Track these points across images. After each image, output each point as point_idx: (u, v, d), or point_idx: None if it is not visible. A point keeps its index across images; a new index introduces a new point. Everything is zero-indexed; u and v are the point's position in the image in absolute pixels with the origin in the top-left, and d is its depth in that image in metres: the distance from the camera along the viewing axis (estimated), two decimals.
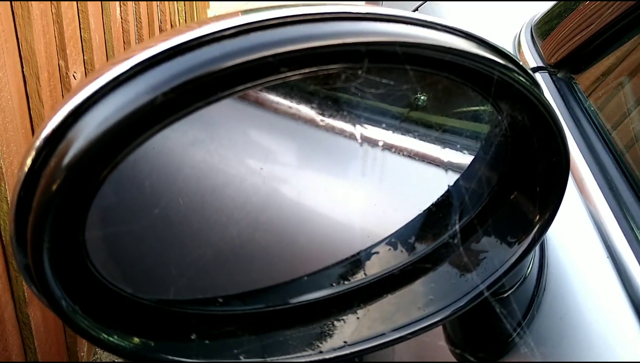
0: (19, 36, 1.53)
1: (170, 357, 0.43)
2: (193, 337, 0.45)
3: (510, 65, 0.43)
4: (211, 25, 0.37)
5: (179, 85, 0.35)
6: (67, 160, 0.35)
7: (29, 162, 0.37)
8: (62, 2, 1.72)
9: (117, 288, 0.43)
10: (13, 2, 1.49)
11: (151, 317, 0.45)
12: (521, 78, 0.43)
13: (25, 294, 1.54)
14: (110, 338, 0.41)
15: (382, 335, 0.47)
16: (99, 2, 2.06)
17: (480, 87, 0.45)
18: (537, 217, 0.46)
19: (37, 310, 1.60)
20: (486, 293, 0.47)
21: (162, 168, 0.43)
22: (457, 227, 0.49)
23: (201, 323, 0.46)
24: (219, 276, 0.49)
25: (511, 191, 0.49)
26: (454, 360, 0.59)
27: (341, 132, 0.52)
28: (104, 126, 0.34)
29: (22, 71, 1.56)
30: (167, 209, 0.44)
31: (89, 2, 1.92)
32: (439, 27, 0.42)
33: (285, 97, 0.50)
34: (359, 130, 0.52)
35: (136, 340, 0.43)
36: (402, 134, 0.53)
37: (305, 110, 0.51)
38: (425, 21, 0.41)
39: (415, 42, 0.40)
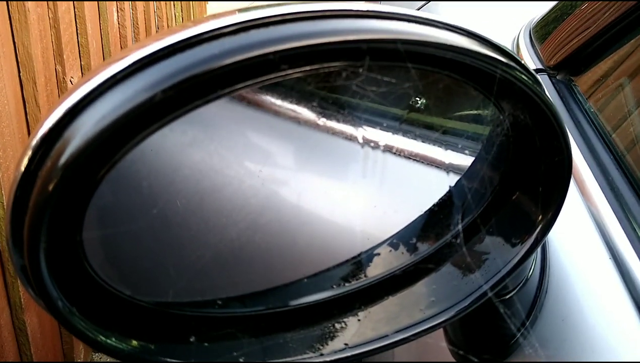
0: (15, 41, 1.53)
1: (168, 360, 0.42)
2: (192, 339, 0.45)
3: (513, 64, 0.43)
4: (210, 22, 0.37)
5: (178, 83, 0.34)
6: (63, 159, 0.34)
7: (25, 161, 0.36)
8: (59, 8, 1.71)
9: (115, 290, 0.42)
10: (10, 6, 1.49)
11: (150, 319, 0.44)
12: (523, 76, 0.43)
13: (22, 300, 1.53)
14: (108, 341, 0.40)
15: (384, 337, 0.46)
16: (96, 8, 2.06)
17: (482, 86, 0.44)
18: (540, 217, 0.46)
19: (33, 317, 1.59)
20: (490, 294, 0.46)
21: (161, 168, 0.42)
22: (459, 226, 0.49)
23: (200, 326, 0.46)
24: (218, 278, 0.48)
25: (513, 191, 0.49)
26: (455, 361, 0.59)
27: (342, 134, 0.52)
28: (101, 124, 0.34)
29: (19, 76, 1.55)
30: (166, 210, 0.43)
31: (86, 8, 1.92)
32: (441, 25, 0.41)
33: (285, 98, 0.49)
34: (359, 131, 0.51)
35: (134, 342, 0.42)
36: (403, 136, 0.53)
37: (306, 111, 0.50)
38: (427, 19, 0.41)
39: (416, 39, 0.39)
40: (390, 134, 0.52)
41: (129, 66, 0.36)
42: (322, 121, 0.51)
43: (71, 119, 0.35)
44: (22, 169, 0.36)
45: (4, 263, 1.50)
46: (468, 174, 0.50)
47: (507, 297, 0.53)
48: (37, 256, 0.36)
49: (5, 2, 1.47)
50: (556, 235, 0.60)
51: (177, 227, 0.45)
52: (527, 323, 0.51)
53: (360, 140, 0.52)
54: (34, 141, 0.36)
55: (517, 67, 0.43)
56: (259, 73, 0.36)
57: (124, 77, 0.35)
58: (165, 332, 0.45)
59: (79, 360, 1.91)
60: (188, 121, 0.37)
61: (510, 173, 0.49)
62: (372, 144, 0.52)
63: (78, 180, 0.35)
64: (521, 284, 0.54)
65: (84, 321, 0.39)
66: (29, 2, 1.53)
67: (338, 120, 0.51)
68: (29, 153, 0.36)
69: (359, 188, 0.54)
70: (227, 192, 0.47)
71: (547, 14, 1.03)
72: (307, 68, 0.38)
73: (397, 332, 0.46)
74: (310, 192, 0.54)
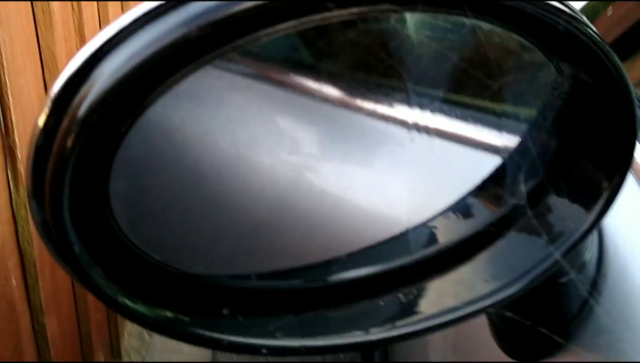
0: (40, 42, 1.52)
1: (199, 331, 0.39)
2: (225, 312, 0.41)
3: (577, 16, 0.39)
4: None
5: (216, 20, 0.31)
6: (82, 111, 0.31)
7: (44, 114, 0.33)
8: (84, 13, 1.71)
9: (144, 254, 0.39)
10: (35, 7, 1.48)
11: (180, 286, 0.41)
12: (588, 30, 0.39)
13: (42, 303, 1.51)
14: (136, 307, 0.37)
15: (435, 315, 0.43)
16: (121, 14, 2.06)
17: (542, 41, 0.41)
18: (606, 184, 0.42)
19: (53, 319, 1.57)
20: (562, 261, 0.42)
21: (195, 115, 0.39)
22: (522, 187, 0.45)
23: (234, 298, 0.42)
24: (254, 249, 0.45)
25: (576, 157, 0.45)
26: (489, 358, 0.55)
27: (389, 117, 0.48)
28: (120, 73, 0.31)
29: (43, 76, 1.54)
30: (200, 163, 0.40)
31: (110, 13, 1.91)
32: None
33: (330, 81, 0.46)
34: (405, 112, 0.48)
35: (163, 311, 0.38)
36: (453, 117, 0.49)
37: (352, 94, 0.47)
38: None
39: None
40: (440, 115, 0.48)
41: (159, 7, 0.32)
42: (367, 103, 0.48)
43: (93, 67, 0.32)
44: (42, 123, 0.33)
45: (25, 266, 1.49)
46: (525, 142, 0.47)
47: (564, 281, 0.49)
48: (60, 208, 0.32)
49: (30, 3, 1.47)
50: (613, 221, 0.56)
51: (212, 186, 0.42)
52: (590, 301, 0.47)
53: (408, 122, 0.48)
54: (57, 86, 0.33)
55: (582, 20, 0.39)
56: (303, 11, 0.33)
57: (153, 18, 0.32)
58: (196, 302, 0.41)
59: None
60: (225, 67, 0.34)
61: (571, 140, 0.45)
62: (420, 126, 0.48)
63: (100, 133, 0.32)
64: (578, 269, 0.50)
65: (110, 283, 0.36)
66: (54, 4, 1.53)
67: (384, 102, 0.47)
68: (50, 101, 0.33)
69: (407, 166, 0.51)
70: (266, 149, 0.44)
71: (583, 8, 0.99)
72: (355, 9, 0.35)
73: (450, 310, 0.42)
74: (355, 171, 0.51)
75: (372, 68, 0.46)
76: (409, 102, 0.48)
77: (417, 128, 0.49)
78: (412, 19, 0.42)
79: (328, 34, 0.41)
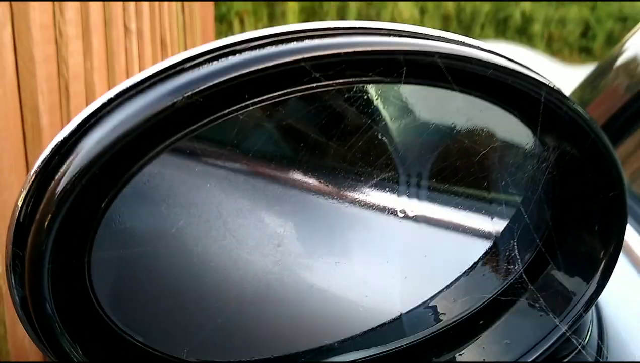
0: (28, 158, 1.54)
1: None
2: None
3: (557, 88, 0.40)
4: (244, 35, 0.35)
5: (205, 88, 0.31)
6: (61, 187, 0.31)
7: (25, 190, 0.33)
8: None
9: (125, 334, 0.37)
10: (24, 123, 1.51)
11: None
12: (569, 102, 0.40)
13: None
14: None
15: None
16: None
17: (523, 114, 0.41)
18: (602, 253, 0.41)
19: None
20: (569, 333, 0.40)
21: (182, 184, 0.38)
22: (518, 258, 0.43)
23: None
24: (239, 337, 0.43)
25: (570, 228, 0.44)
26: None
27: (377, 205, 0.48)
28: (97, 149, 0.31)
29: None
30: (182, 241, 0.39)
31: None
32: (480, 47, 0.39)
33: (313, 172, 0.46)
34: (393, 201, 0.47)
35: None
36: (442, 205, 0.49)
37: (339, 186, 0.47)
38: (464, 41, 0.39)
39: (456, 54, 0.37)
40: (428, 203, 0.48)
41: (148, 78, 0.33)
42: (352, 190, 0.48)
43: (70, 147, 0.32)
44: (22, 199, 0.33)
45: None
46: (519, 214, 0.46)
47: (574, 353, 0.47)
48: (39, 284, 0.31)
49: (20, 118, 1.50)
50: (610, 302, 0.55)
51: (195, 265, 0.40)
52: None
53: (396, 209, 0.48)
54: (37, 165, 0.33)
55: (561, 92, 0.40)
56: (290, 81, 0.33)
57: (139, 91, 0.33)
58: None
59: None
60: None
61: (564, 210, 0.44)
62: (408, 213, 0.48)
63: (81, 209, 0.32)
64: (577, 350, 0.48)
65: (86, 361, 0.33)
66: (44, 119, 1.55)
67: (372, 191, 0.47)
68: (30, 179, 0.33)
69: (395, 254, 0.50)
70: (250, 242, 0.42)
71: (574, 90, 1.01)
72: (340, 81, 0.35)
73: None
74: (344, 261, 0.49)
75: (357, 157, 0.46)
76: (396, 191, 0.47)
77: (406, 216, 0.48)
78: (396, 112, 0.42)
79: (309, 124, 0.42)
